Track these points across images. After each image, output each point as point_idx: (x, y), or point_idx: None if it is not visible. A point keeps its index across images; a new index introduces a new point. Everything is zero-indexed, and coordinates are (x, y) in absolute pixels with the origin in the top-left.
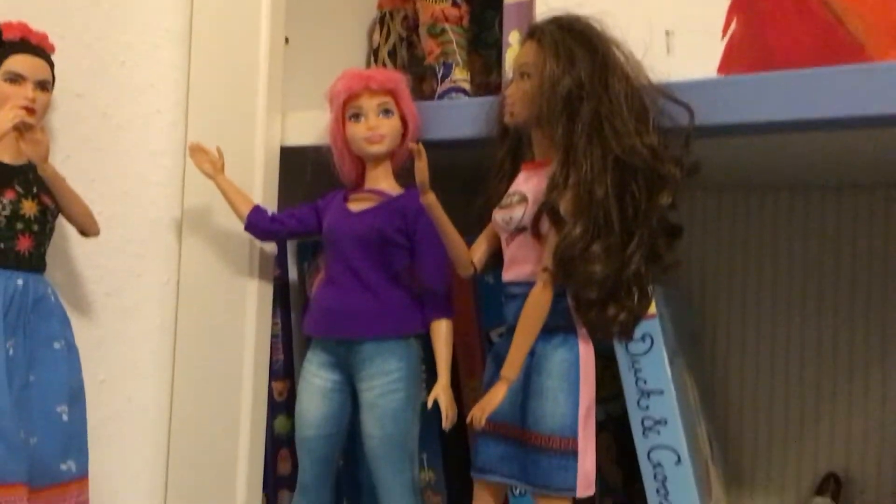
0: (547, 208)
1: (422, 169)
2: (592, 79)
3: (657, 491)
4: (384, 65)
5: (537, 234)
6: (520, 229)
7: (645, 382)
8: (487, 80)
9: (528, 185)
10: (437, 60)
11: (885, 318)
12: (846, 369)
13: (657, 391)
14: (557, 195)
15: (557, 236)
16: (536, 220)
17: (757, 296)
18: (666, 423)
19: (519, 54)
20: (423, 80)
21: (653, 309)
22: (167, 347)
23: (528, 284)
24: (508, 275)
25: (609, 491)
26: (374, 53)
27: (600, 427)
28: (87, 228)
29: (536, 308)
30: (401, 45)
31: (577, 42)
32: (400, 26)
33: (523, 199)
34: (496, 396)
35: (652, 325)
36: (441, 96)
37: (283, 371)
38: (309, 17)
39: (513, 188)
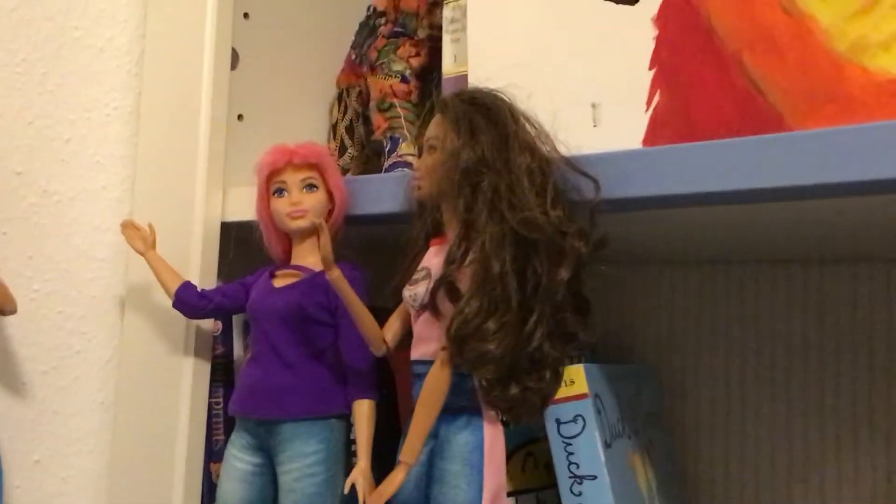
0: (444, 283)
1: (324, 244)
2: (493, 151)
3: None
4: (342, 140)
5: (436, 311)
6: (424, 306)
7: (578, 467)
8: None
9: (433, 261)
10: (385, 135)
11: (856, 399)
12: (819, 444)
13: (590, 476)
14: (455, 270)
15: (453, 313)
16: (434, 295)
17: (725, 373)
18: None
19: (428, 128)
20: (381, 155)
21: (584, 388)
22: (106, 426)
23: (433, 363)
24: (415, 353)
25: None
26: (332, 129)
27: None
28: (3, 307)
29: (434, 388)
30: (357, 120)
31: (480, 115)
32: (356, 102)
33: (427, 274)
34: (394, 482)
35: (583, 405)
36: (388, 170)
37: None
38: (265, 94)
39: (421, 264)
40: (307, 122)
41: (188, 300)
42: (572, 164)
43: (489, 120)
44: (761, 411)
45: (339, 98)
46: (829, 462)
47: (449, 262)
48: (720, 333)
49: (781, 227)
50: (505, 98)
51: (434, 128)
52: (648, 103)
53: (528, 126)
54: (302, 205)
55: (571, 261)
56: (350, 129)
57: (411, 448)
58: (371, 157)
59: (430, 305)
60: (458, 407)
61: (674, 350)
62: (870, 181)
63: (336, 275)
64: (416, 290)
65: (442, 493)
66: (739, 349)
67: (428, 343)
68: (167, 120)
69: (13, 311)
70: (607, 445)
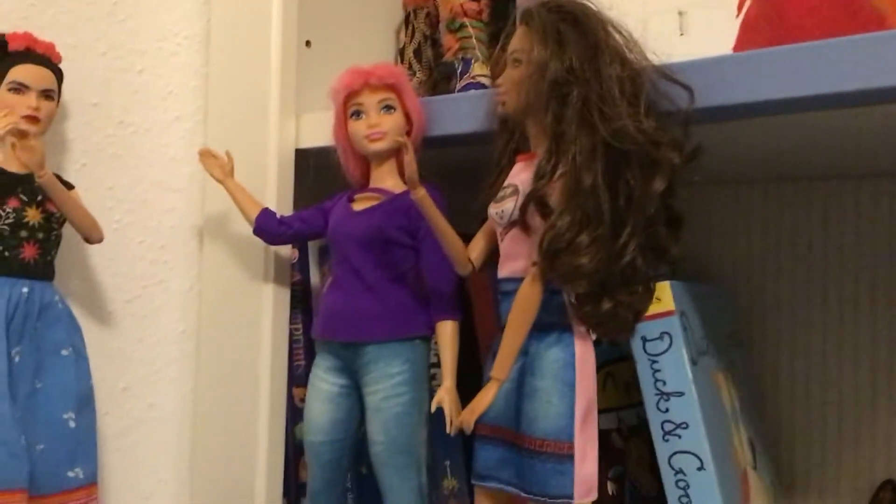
0: (534, 199)
1: (409, 163)
2: (582, 62)
3: (679, 499)
4: (410, 64)
5: (526, 227)
6: (512, 223)
7: (664, 384)
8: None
9: (521, 176)
10: (457, 56)
11: None
12: None
13: (677, 393)
14: (544, 185)
15: (544, 228)
16: (524, 211)
17: (806, 293)
18: (687, 426)
19: (512, 41)
20: (451, 80)
21: (670, 305)
22: (189, 354)
23: (522, 280)
24: (503, 271)
25: (642, 499)
26: (400, 53)
27: (632, 432)
28: (89, 234)
29: (525, 304)
30: (426, 43)
31: (567, 25)
32: (424, 24)
33: (515, 191)
34: (485, 398)
35: (671, 322)
36: (460, 92)
37: (305, 377)
38: (332, 19)
39: (507, 181)
40: (374, 47)
41: (268, 227)
42: (664, 72)
43: (577, 29)
44: (844, 331)
45: (407, 20)
46: None
47: (538, 176)
48: (800, 252)
49: (876, 135)
50: (592, 6)
51: (518, 40)
52: (739, 8)
53: (616, 34)
54: (380, 126)
55: (666, 172)
56: (418, 53)
57: (503, 364)
58: (440, 81)
59: (520, 221)
60: (549, 323)
61: (753, 270)
62: None
63: (422, 194)
64: (503, 207)
65: (533, 409)
66: (821, 268)
67: (516, 260)
68: (237, 48)
69: (100, 240)
70: (693, 363)
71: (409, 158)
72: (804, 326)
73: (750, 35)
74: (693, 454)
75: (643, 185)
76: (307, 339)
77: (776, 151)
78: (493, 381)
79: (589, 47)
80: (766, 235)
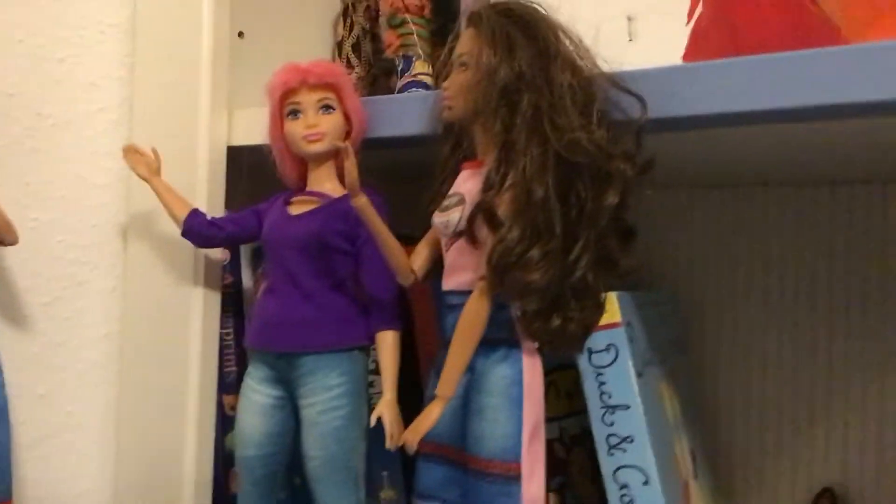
0: (482, 210)
1: (350, 169)
2: (533, 68)
3: None
4: (348, 59)
5: (473, 239)
6: (458, 234)
7: (609, 397)
8: (437, 73)
9: (467, 185)
10: (397, 53)
11: (882, 320)
12: (842, 375)
13: (623, 406)
14: (493, 196)
15: (493, 241)
16: (472, 223)
17: (746, 299)
18: (632, 440)
19: (459, 44)
20: (391, 76)
21: (616, 317)
22: (112, 358)
23: (468, 294)
24: (448, 283)
25: None
26: (338, 47)
27: (574, 442)
28: (3, 237)
29: (473, 320)
30: (365, 38)
31: (518, 29)
32: (363, 18)
33: (461, 200)
34: (430, 418)
35: (617, 334)
36: (401, 91)
37: (236, 384)
38: (267, 10)
39: (452, 189)
40: (311, 40)
41: (198, 229)
42: (616, 81)
43: (527, 34)
44: (783, 338)
45: (345, 13)
46: (855, 385)
47: (487, 187)
48: (740, 258)
49: (826, 148)
50: (542, 10)
51: (466, 43)
52: (690, 15)
53: (567, 40)
54: (319, 127)
55: (619, 185)
56: (356, 47)
57: (448, 382)
58: (379, 77)
59: (467, 233)
60: (496, 339)
61: (693, 275)
62: None
63: (363, 201)
64: (448, 217)
65: (480, 428)
66: (762, 274)
67: (462, 272)
68: (165, 37)
69: (14, 242)
70: (639, 375)
71: (350, 165)
72: (744, 332)
73: (700, 43)
74: (638, 468)
75: (595, 197)
76: (238, 345)
77: (723, 160)
78: (439, 400)
79: (540, 53)
80: (706, 240)
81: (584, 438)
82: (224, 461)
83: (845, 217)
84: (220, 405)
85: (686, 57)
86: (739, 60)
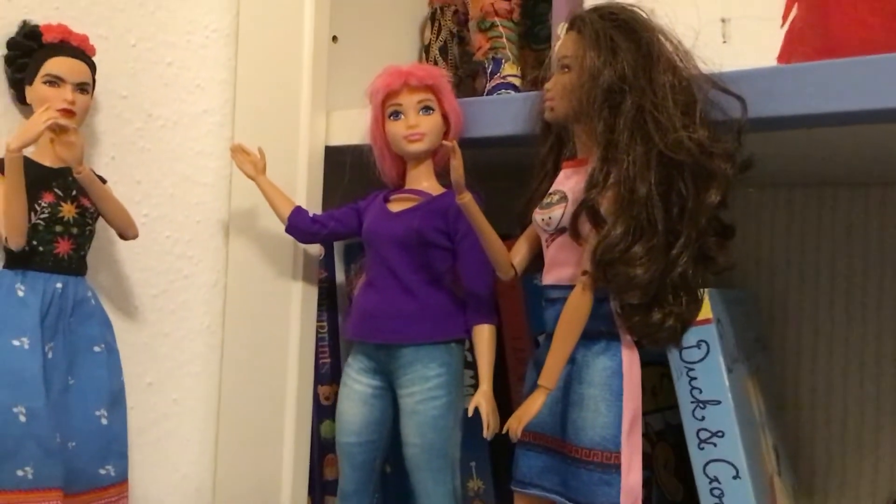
0: (586, 207)
1: (457, 167)
2: (635, 70)
3: None
4: (435, 62)
5: (577, 236)
6: (560, 230)
7: (700, 392)
8: (540, 76)
9: (569, 183)
10: (487, 56)
11: None
12: None
13: (714, 401)
14: (597, 194)
15: (597, 237)
16: (575, 220)
17: (830, 298)
18: (723, 435)
19: (560, 46)
20: (476, 78)
21: (708, 313)
22: (214, 349)
23: (569, 288)
24: (548, 278)
25: None
26: (425, 50)
27: (659, 437)
28: (125, 231)
29: (575, 313)
30: (452, 41)
31: (620, 32)
32: (451, 22)
33: (563, 198)
34: (533, 406)
35: (707, 330)
36: (490, 93)
37: (330, 375)
38: (358, 15)
39: (553, 187)
40: (399, 44)
41: (301, 225)
42: (716, 81)
43: (630, 37)
44: (867, 338)
45: (433, 17)
46: None
47: (591, 185)
48: (823, 256)
49: None
50: (643, 13)
51: (568, 46)
52: (784, 18)
53: (667, 43)
54: (419, 128)
55: (720, 184)
56: (444, 50)
57: (551, 373)
58: (464, 79)
59: (571, 229)
60: (596, 332)
61: (776, 275)
62: None
63: (468, 198)
64: (550, 214)
65: (581, 418)
66: (844, 274)
67: (564, 267)
68: (266, 41)
69: (135, 236)
70: (729, 371)
71: (457, 163)
72: (827, 330)
73: (795, 45)
74: (729, 462)
75: (697, 195)
76: (332, 338)
77: (816, 159)
78: (541, 390)
79: (642, 55)
80: (790, 240)
81: (668, 434)
82: (319, 448)
83: None
84: (315, 395)
85: (780, 59)
86: (837, 62)
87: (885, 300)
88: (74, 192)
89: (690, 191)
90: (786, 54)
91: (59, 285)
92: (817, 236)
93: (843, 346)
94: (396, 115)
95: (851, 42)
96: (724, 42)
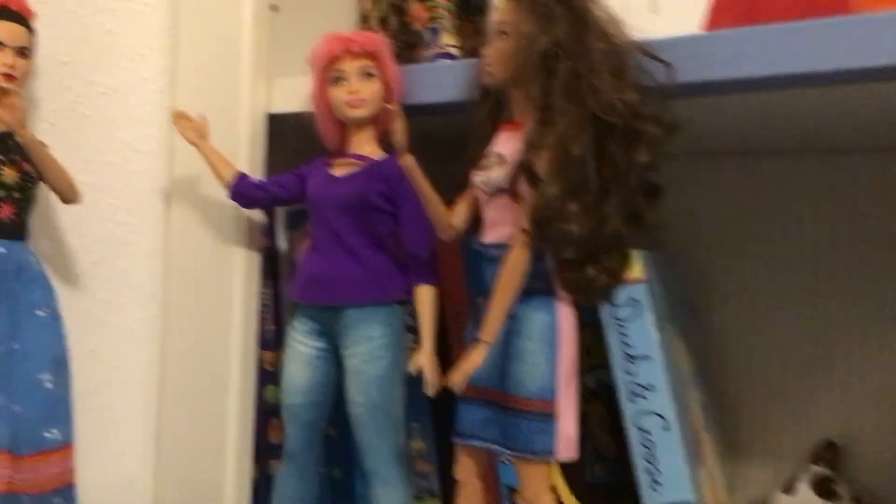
0: (523, 168)
1: (399, 130)
2: (570, 37)
3: (644, 458)
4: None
5: (515, 195)
6: (498, 191)
7: (631, 347)
8: (477, 45)
9: (507, 146)
10: (425, 26)
11: (884, 280)
12: (843, 333)
13: (644, 356)
14: (534, 155)
15: (534, 196)
16: (513, 180)
17: (754, 260)
18: (653, 388)
19: (499, 13)
20: (415, 48)
21: (640, 273)
22: (156, 316)
23: (507, 246)
24: (488, 237)
25: (601, 459)
26: (364, 19)
27: (592, 395)
28: (68, 194)
29: (514, 270)
30: (391, 11)
31: (555, 0)
32: None
33: (501, 160)
34: (474, 359)
35: (639, 289)
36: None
37: (274, 341)
38: None
39: (492, 149)
40: (340, 13)
41: (244, 190)
42: (644, 48)
43: (564, 4)
44: (790, 296)
45: None
46: (856, 340)
47: (528, 146)
48: (756, 225)
49: (841, 114)
50: None
51: (505, 13)
52: None
53: (598, 11)
54: (360, 93)
55: (649, 145)
56: (383, 20)
57: (491, 327)
58: (404, 50)
59: (509, 189)
60: (534, 288)
61: (703, 238)
62: None
63: (410, 160)
64: (489, 175)
65: (521, 370)
66: (769, 235)
67: (502, 227)
68: (206, 9)
69: (77, 201)
70: (659, 329)
71: (400, 126)
72: (751, 291)
73: (720, 13)
74: (658, 415)
75: (627, 156)
76: (275, 304)
77: (739, 127)
78: (482, 344)
79: (576, 22)
80: (722, 208)
81: (601, 392)
82: (263, 413)
83: (849, 185)
84: (259, 361)
85: (707, 27)
86: (761, 29)
87: (806, 259)
88: (16, 156)
89: (621, 152)
90: (712, 22)
91: (2, 250)
92: (750, 204)
93: (766, 306)
94: (338, 80)
95: (770, 10)
96: (653, 11)
